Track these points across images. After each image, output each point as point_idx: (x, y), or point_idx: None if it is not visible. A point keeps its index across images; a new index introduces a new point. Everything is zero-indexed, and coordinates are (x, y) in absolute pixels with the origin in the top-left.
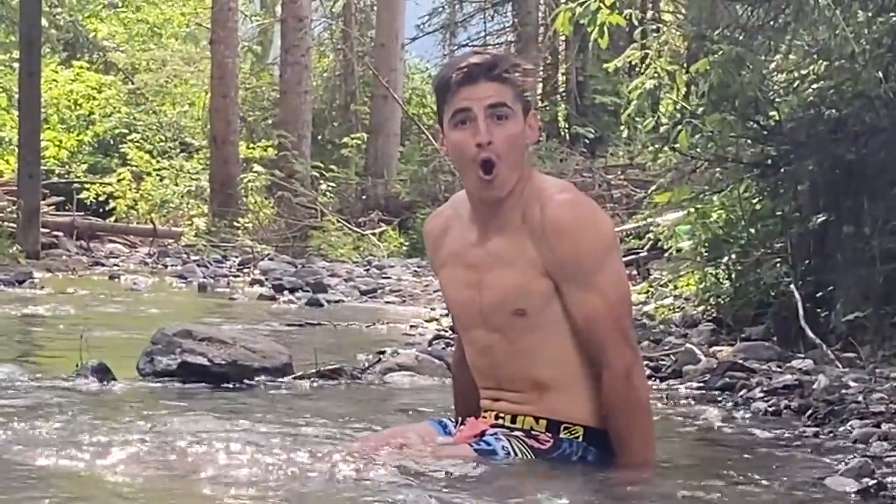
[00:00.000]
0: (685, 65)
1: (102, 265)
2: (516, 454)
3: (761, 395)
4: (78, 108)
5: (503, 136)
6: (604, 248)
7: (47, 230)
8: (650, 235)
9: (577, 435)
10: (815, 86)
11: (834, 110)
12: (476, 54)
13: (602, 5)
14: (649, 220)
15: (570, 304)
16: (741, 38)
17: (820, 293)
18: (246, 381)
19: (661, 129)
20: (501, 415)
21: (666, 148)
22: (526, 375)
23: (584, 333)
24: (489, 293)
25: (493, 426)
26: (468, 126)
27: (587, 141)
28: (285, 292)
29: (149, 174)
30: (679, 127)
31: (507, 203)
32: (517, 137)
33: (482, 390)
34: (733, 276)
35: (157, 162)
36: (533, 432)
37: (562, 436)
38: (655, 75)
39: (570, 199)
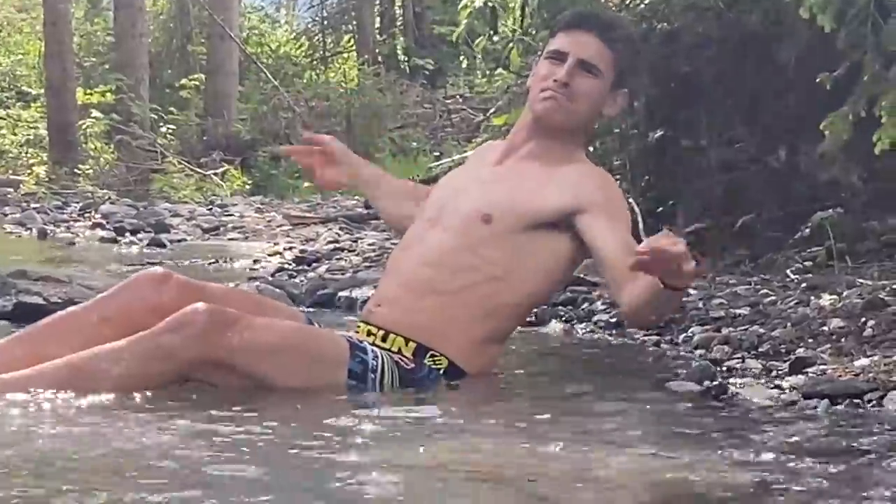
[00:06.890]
0: None
1: None
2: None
3: (603, 307)
4: None
5: (583, 87)
6: None
7: None
8: None
9: (440, 366)
10: (646, 0)
11: (666, 24)
12: (607, 11)
13: None
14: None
15: None
16: None
17: (661, 208)
18: None
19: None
20: (373, 331)
21: (501, 69)
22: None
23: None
24: None
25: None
26: (557, 64)
27: (427, 73)
28: (127, 234)
29: None
30: (510, 45)
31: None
32: (594, 96)
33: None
34: None
35: None
36: (399, 354)
37: (425, 361)
38: None
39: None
